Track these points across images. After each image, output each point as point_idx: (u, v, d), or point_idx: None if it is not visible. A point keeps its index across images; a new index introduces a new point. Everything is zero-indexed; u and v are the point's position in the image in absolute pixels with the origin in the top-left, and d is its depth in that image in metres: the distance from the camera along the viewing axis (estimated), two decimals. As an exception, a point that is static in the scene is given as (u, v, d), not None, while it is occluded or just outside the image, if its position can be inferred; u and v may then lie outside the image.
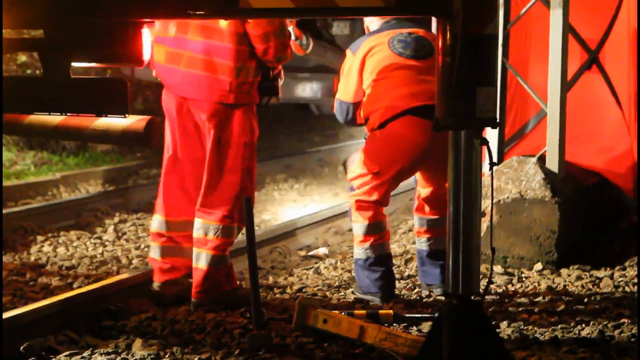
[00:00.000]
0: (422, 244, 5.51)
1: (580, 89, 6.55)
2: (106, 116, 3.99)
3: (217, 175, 5.10)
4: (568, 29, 6.22)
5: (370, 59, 5.39)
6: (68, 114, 4.02)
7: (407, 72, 5.32)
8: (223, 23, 4.98)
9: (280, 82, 5.31)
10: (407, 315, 4.85)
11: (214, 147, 5.08)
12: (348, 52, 5.53)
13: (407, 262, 6.36)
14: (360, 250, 5.39)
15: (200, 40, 5.02)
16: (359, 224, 5.37)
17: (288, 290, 5.69)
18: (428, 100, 5.20)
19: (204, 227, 5.12)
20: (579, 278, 5.80)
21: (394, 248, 6.76)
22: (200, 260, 5.12)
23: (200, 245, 5.13)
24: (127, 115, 3.94)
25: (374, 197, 5.33)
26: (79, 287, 5.77)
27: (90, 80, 3.99)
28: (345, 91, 5.52)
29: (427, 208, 5.46)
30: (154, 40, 5.12)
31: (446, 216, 5.32)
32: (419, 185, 5.50)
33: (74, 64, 3.81)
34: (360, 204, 5.36)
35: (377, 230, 5.36)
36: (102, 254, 7.06)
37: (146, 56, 3.90)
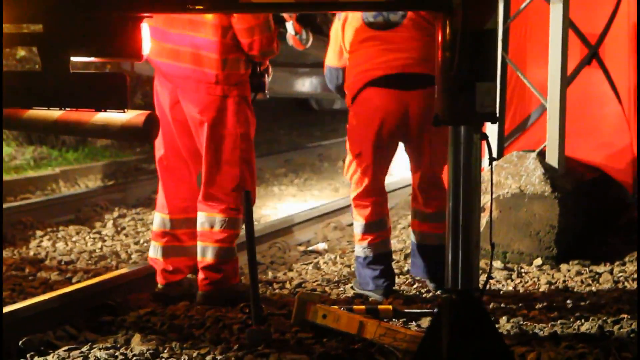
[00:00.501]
0: (414, 236, 5.46)
1: (581, 84, 6.55)
2: (105, 111, 3.99)
3: (215, 168, 5.09)
4: (568, 24, 6.22)
5: (347, 27, 5.38)
6: (67, 108, 4.03)
7: (374, 43, 5.27)
8: (208, 16, 4.97)
9: (268, 79, 5.29)
10: (406, 310, 4.85)
11: (209, 140, 5.06)
12: (337, 16, 5.52)
13: (406, 257, 6.36)
14: (359, 249, 5.39)
15: (185, 33, 5.01)
16: (357, 222, 5.37)
17: (287, 285, 5.69)
18: (390, 70, 5.19)
19: (208, 220, 5.11)
20: (578, 273, 5.80)
21: (394, 243, 6.75)
22: (207, 254, 5.11)
23: (206, 239, 5.12)
24: (126, 110, 3.94)
25: (365, 182, 5.28)
26: (78, 282, 5.77)
27: (90, 75, 3.99)
28: (334, 56, 5.52)
29: (420, 199, 5.38)
30: None
31: (443, 210, 5.33)
32: (411, 173, 5.44)
33: (73, 59, 3.81)
34: (358, 202, 5.35)
35: (375, 228, 5.34)
36: (101, 248, 7.06)
37: (145, 51, 3.90)
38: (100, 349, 4.31)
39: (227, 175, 5.10)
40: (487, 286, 5.41)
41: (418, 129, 5.24)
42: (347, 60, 5.40)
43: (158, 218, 5.28)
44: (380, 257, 5.36)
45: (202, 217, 5.15)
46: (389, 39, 5.26)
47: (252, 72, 5.18)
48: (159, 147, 5.23)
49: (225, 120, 5.06)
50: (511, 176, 6.14)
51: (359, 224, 5.36)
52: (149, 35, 4.99)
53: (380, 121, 5.23)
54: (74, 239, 7.42)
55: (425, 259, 5.42)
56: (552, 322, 4.73)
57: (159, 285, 5.27)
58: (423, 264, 5.43)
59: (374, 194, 5.35)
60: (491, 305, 5.06)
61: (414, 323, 4.76)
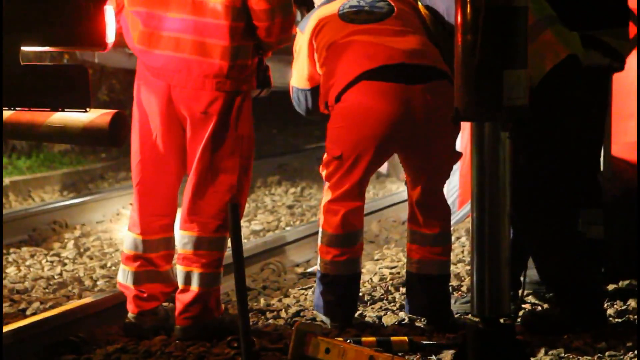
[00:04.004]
0: (411, 264, 5.38)
1: (629, 69, 6.55)
2: (64, 110, 4.01)
3: (209, 177, 5.08)
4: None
5: (320, 34, 5.35)
6: (18, 108, 4.05)
7: (362, 37, 5.25)
8: None
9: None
10: (424, 342, 4.86)
11: (208, 143, 5.06)
12: (297, 30, 5.50)
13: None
14: (320, 263, 5.35)
15: (186, 17, 4.99)
16: (323, 231, 5.31)
17: (283, 314, 5.71)
18: (388, 60, 5.15)
19: (193, 240, 5.11)
20: (629, 294, 5.81)
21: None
22: (193, 282, 5.10)
23: (191, 264, 5.11)
24: (88, 109, 3.96)
25: (344, 187, 5.22)
26: (34, 314, 5.78)
27: (44, 68, 4.01)
28: (299, 76, 5.52)
29: (420, 218, 5.30)
30: (129, 10, 5.08)
31: (447, 231, 5.34)
32: (407, 187, 5.38)
33: (24, 49, 3.83)
34: (330, 206, 5.28)
35: (343, 243, 5.27)
36: (60, 274, 7.08)
37: (110, 38, 3.92)
38: (61, 394, 4.33)
39: (222, 185, 5.10)
40: (520, 311, 5.45)
41: (424, 134, 5.17)
42: (324, 68, 5.33)
43: (129, 238, 5.28)
44: (342, 279, 5.29)
45: (185, 237, 5.14)
46: (379, 31, 5.26)
47: (258, 63, 5.18)
48: (135, 153, 5.22)
49: (231, 120, 5.06)
50: (548, 180, 6.15)
51: (325, 233, 5.30)
52: (139, 22, 5.04)
53: (374, 125, 5.15)
54: (27, 263, 7.44)
55: (423, 293, 5.31)
56: (599, 354, 4.75)
57: (130, 315, 5.28)
58: (420, 299, 5.32)
59: (351, 199, 5.26)
60: (525, 334, 5.08)
61: (433, 357, 4.77)
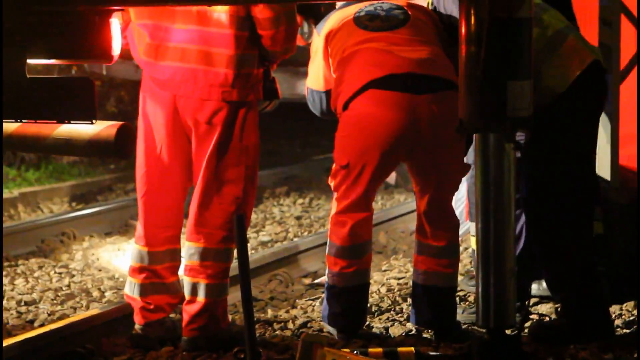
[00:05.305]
0: (417, 275, 5.37)
1: (636, 79, 6.56)
2: (70, 122, 4.02)
3: (215, 187, 5.09)
4: (619, 8, 6.24)
5: (334, 38, 5.37)
6: (24, 120, 4.06)
7: (373, 45, 5.24)
8: (218, 6, 4.96)
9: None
10: (431, 353, 4.86)
11: (212, 154, 5.07)
12: (315, 31, 5.53)
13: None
14: (328, 274, 5.35)
15: (191, 27, 5.00)
16: (331, 242, 5.31)
17: (290, 325, 5.72)
18: (395, 69, 5.14)
19: (199, 251, 5.12)
20: (638, 306, 5.81)
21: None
22: (199, 293, 5.12)
23: (197, 275, 5.13)
24: (94, 121, 3.97)
25: (350, 197, 5.21)
26: (41, 325, 5.80)
27: (50, 80, 4.03)
28: (315, 78, 5.55)
29: (428, 229, 5.30)
30: (135, 23, 5.10)
31: (455, 243, 5.34)
32: (416, 197, 5.38)
33: (31, 61, 3.85)
34: (337, 217, 5.28)
35: (350, 255, 5.26)
36: (68, 285, 7.09)
37: (116, 51, 3.93)
38: (67, 405, 4.34)
39: (227, 196, 5.11)
40: (528, 322, 5.45)
41: (430, 144, 5.16)
42: (336, 73, 5.35)
43: (135, 250, 5.30)
44: (349, 291, 5.28)
45: (191, 249, 5.15)
46: (391, 39, 5.25)
47: (265, 75, 5.19)
48: (140, 165, 5.24)
49: (235, 131, 5.07)
50: (554, 191, 6.15)
51: (332, 244, 5.29)
52: (146, 35, 5.07)
53: (378, 134, 5.14)
54: (35, 274, 7.45)
55: (429, 305, 5.30)
56: (607, 365, 4.76)
57: (137, 326, 5.29)
58: (426, 311, 5.32)
59: (359, 210, 5.25)
60: (532, 346, 5.07)
61: (440, 368, 4.78)
